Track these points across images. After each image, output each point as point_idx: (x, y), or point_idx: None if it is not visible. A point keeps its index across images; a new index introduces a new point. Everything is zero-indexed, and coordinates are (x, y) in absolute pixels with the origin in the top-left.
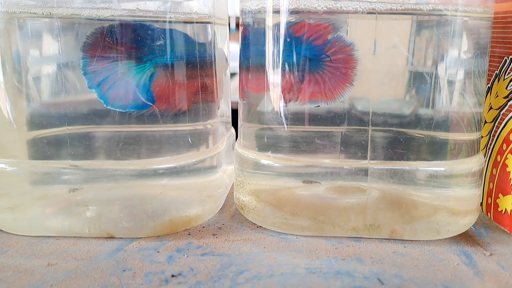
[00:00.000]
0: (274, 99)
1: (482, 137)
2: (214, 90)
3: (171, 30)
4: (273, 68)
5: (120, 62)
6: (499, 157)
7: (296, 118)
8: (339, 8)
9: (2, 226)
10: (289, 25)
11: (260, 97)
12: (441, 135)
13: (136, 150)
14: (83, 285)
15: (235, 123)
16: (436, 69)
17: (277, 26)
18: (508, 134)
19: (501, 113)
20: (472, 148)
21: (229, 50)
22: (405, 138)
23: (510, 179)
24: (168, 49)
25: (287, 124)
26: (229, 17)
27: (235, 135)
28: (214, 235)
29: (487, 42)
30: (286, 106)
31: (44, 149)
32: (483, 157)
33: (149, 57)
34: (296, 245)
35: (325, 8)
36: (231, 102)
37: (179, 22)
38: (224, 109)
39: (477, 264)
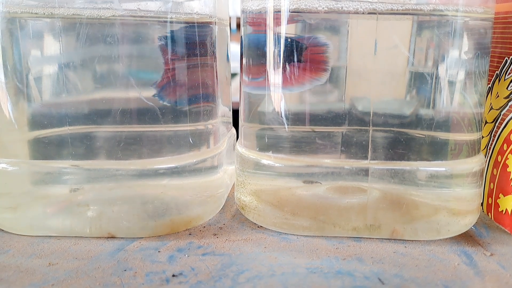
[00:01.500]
0: (275, 99)
1: (482, 137)
2: (215, 89)
3: None
4: (274, 67)
5: None
6: (499, 157)
7: (296, 118)
8: (340, 8)
9: (3, 225)
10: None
11: (261, 97)
12: (441, 135)
13: (137, 150)
14: (84, 285)
15: (236, 123)
16: (437, 70)
17: (278, 26)
18: (509, 134)
19: (502, 113)
20: (472, 148)
21: (230, 50)
22: (406, 138)
23: (511, 179)
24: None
25: (288, 124)
26: (229, 18)
27: (236, 135)
28: (215, 235)
29: (488, 43)
30: (286, 106)
31: (45, 149)
32: (484, 157)
33: None
34: (296, 245)
35: (326, 8)
36: (232, 102)
37: (180, 22)
38: (225, 109)
39: (477, 264)
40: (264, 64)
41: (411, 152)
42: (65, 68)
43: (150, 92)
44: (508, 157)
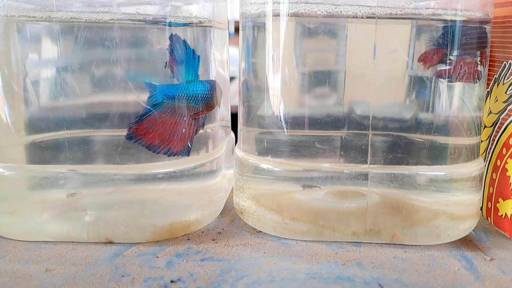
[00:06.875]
0: (274, 103)
1: (481, 141)
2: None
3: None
4: (273, 71)
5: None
6: (499, 161)
7: (296, 122)
8: (339, 12)
9: (0, 231)
10: None
11: (260, 101)
12: (441, 139)
13: (135, 154)
14: None
15: (234, 127)
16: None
17: (277, 29)
18: (508, 138)
19: (501, 117)
20: (472, 153)
21: (228, 54)
22: (405, 143)
23: (510, 183)
24: None
25: (287, 128)
26: (228, 21)
27: (234, 139)
28: (214, 240)
29: (487, 47)
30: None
31: (42, 154)
32: (483, 161)
33: None
34: (296, 250)
35: (325, 13)
36: (231, 106)
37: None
38: (223, 113)
39: (477, 269)
40: (263, 67)
41: (410, 156)
42: (63, 71)
43: (147, 96)
44: (507, 161)
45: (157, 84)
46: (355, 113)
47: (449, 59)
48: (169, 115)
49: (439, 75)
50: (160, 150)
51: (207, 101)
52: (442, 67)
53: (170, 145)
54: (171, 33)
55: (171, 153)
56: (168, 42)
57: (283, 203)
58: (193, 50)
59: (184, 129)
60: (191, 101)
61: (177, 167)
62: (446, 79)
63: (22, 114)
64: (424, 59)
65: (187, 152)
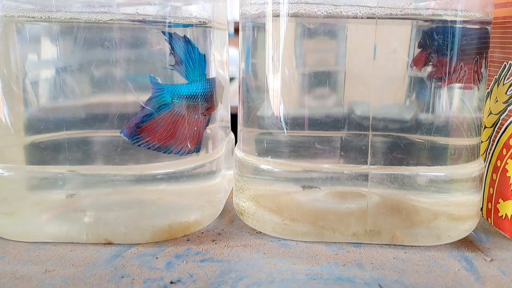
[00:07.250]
0: (274, 103)
1: (482, 142)
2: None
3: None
4: (273, 72)
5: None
6: (499, 162)
7: (295, 123)
8: (339, 13)
9: None
10: None
11: (260, 102)
12: (441, 140)
13: (134, 155)
14: None
15: (234, 128)
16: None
17: (277, 30)
18: (508, 139)
19: (501, 118)
20: (472, 153)
21: (228, 54)
22: (405, 143)
23: (510, 184)
24: None
25: (286, 129)
26: (227, 22)
27: (234, 140)
28: (213, 241)
29: (487, 47)
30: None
31: (41, 154)
32: (483, 162)
33: None
34: (296, 251)
35: (325, 13)
36: (231, 107)
37: (179, 26)
38: (223, 114)
39: (478, 270)
40: (263, 67)
41: (410, 157)
42: (62, 72)
43: (147, 96)
44: (507, 162)
45: (163, 83)
46: (355, 114)
47: (449, 60)
48: (181, 115)
49: (439, 76)
50: (172, 150)
51: (215, 98)
52: (442, 67)
53: (183, 144)
54: (176, 33)
55: (183, 152)
56: (173, 42)
57: (283, 204)
58: (197, 48)
59: (195, 127)
60: (202, 99)
61: (176, 168)
62: (446, 80)
63: (22, 115)
64: (423, 59)
65: (198, 149)
